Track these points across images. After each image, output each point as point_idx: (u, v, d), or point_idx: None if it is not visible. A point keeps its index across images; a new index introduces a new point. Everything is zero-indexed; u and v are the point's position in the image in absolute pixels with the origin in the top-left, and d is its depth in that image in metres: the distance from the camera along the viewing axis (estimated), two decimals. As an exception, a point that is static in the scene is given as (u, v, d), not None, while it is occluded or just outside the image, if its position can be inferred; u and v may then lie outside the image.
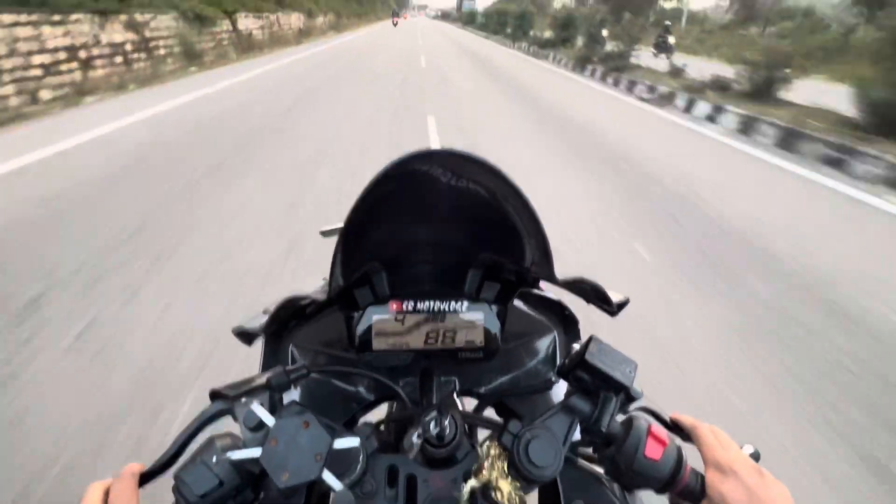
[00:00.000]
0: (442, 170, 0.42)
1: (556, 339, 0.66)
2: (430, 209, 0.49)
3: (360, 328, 0.56)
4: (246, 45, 14.15)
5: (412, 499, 0.44)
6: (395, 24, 41.06)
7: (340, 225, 0.84)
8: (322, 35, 23.88)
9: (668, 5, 37.77)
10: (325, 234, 0.87)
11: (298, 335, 0.63)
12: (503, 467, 0.43)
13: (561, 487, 0.52)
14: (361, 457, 0.43)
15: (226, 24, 13.39)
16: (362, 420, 0.61)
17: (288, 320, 0.62)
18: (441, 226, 0.54)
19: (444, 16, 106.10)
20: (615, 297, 0.47)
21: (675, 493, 0.44)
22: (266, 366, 0.60)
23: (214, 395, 0.45)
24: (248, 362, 1.63)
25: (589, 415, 0.45)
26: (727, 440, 0.45)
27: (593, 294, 0.46)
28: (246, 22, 14.93)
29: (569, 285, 0.45)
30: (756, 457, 0.44)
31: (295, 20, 21.11)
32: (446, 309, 0.57)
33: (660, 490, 0.45)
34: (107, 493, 0.39)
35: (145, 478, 0.42)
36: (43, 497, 1.33)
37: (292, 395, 0.59)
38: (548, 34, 20.71)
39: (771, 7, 29.24)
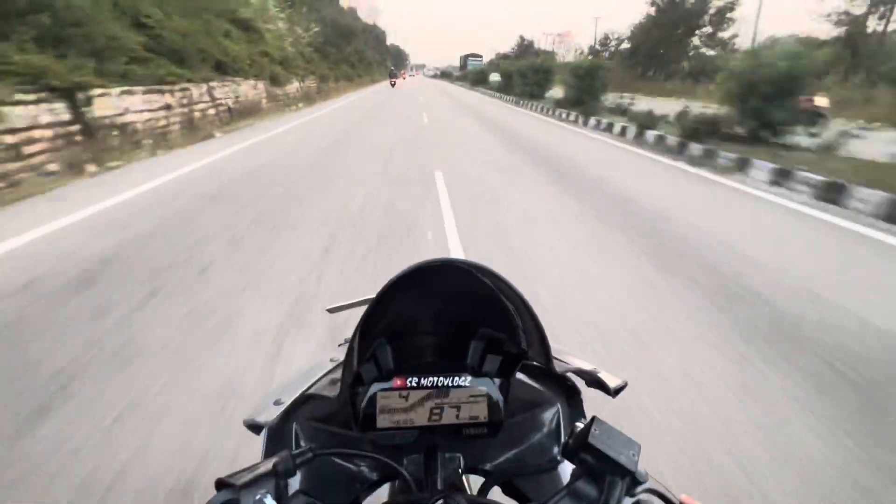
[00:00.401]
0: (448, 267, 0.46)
1: (560, 411, 0.66)
2: (433, 288, 0.52)
3: (365, 405, 0.57)
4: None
5: None
6: (393, 85, 38.72)
7: (346, 303, 0.87)
8: (281, 110, 14.76)
9: (709, 51, 29.07)
10: (332, 311, 0.89)
11: (301, 413, 0.63)
12: None
13: None
14: None
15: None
16: (367, 503, 0.60)
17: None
18: (443, 300, 0.56)
19: (444, 74, 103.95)
20: (612, 382, 0.48)
21: None
22: (269, 447, 0.60)
23: (220, 485, 0.45)
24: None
25: (595, 499, 0.45)
26: None
27: (591, 380, 0.48)
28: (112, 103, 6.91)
29: (566, 376, 0.47)
30: None
31: (249, 91, 13.07)
32: (450, 384, 0.58)
33: None
34: None
35: None
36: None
37: (297, 477, 0.58)
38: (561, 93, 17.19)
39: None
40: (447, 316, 0.59)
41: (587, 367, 0.48)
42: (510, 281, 0.45)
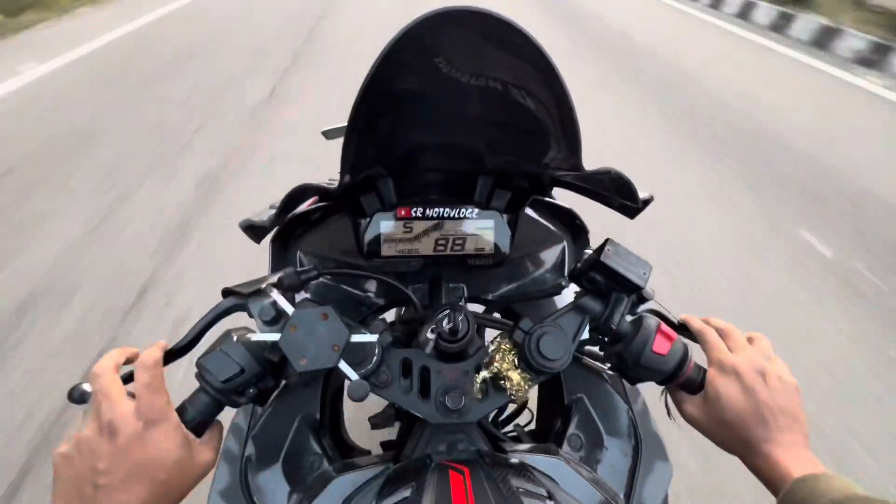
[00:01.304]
0: (452, 67, 0.37)
1: (566, 247, 0.65)
2: (437, 111, 0.45)
3: (368, 235, 0.55)
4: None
5: (425, 388, 0.46)
6: None
7: (342, 125, 0.79)
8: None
9: None
10: (328, 133, 0.83)
11: (306, 242, 0.62)
12: (513, 360, 0.44)
13: (564, 384, 0.54)
14: (377, 350, 0.44)
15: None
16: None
17: (295, 227, 0.61)
18: (450, 129, 0.50)
19: None
20: (641, 194, 0.45)
21: (677, 384, 0.46)
22: (275, 268, 0.60)
23: (227, 293, 0.45)
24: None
25: (599, 314, 0.46)
26: (738, 342, 0.45)
27: (618, 183, 0.43)
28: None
29: (594, 175, 0.42)
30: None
31: None
32: (455, 215, 0.56)
33: (662, 382, 0.47)
34: (127, 363, 0.40)
35: (164, 359, 0.42)
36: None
37: (303, 298, 0.59)
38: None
39: None
40: (455, 148, 0.54)
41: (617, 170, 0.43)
42: (534, 38, 0.33)
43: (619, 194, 0.47)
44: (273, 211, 0.46)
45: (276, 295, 0.42)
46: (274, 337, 0.40)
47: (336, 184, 0.46)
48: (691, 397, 0.46)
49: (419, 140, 0.51)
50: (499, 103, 0.42)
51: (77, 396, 0.39)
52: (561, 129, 0.41)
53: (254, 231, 0.48)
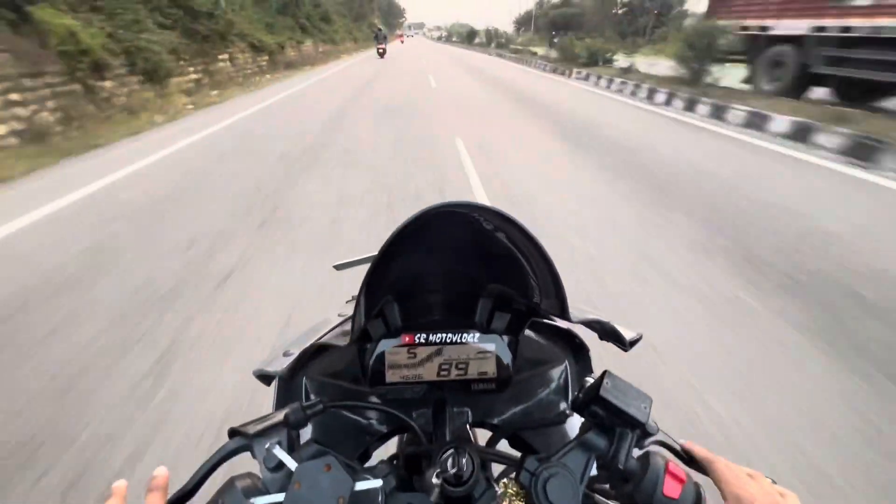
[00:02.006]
0: (461, 204, 0.44)
1: (568, 368, 0.66)
2: (441, 242, 0.51)
3: (373, 361, 0.57)
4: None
5: None
6: (381, 55, 22.11)
7: (354, 259, 0.85)
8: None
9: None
10: (339, 267, 0.88)
11: (311, 368, 0.63)
12: None
13: None
14: (381, 497, 0.43)
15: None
16: (377, 454, 0.61)
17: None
18: (452, 257, 0.54)
19: (449, 37, 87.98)
20: (628, 335, 0.48)
21: None
22: (280, 400, 0.60)
23: (233, 433, 0.46)
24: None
25: (605, 451, 0.46)
26: (742, 474, 0.45)
27: (607, 332, 0.47)
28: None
29: (574, 333, 0.46)
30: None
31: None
32: (458, 340, 0.58)
33: None
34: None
35: None
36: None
37: (307, 429, 0.59)
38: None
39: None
40: (455, 272, 0.58)
41: (602, 318, 0.47)
42: (524, 225, 0.42)
43: (608, 338, 0.50)
44: (284, 357, 0.48)
45: (277, 450, 0.42)
46: (279, 498, 0.40)
47: (346, 324, 0.49)
48: None
49: (425, 268, 0.56)
50: (495, 245, 0.47)
51: None
52: (546, 283, 0.45)
53: (266, 379, 0.49)
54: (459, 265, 0.56)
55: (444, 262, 0.56)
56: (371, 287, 0.46)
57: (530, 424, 0.62)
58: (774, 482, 0.46)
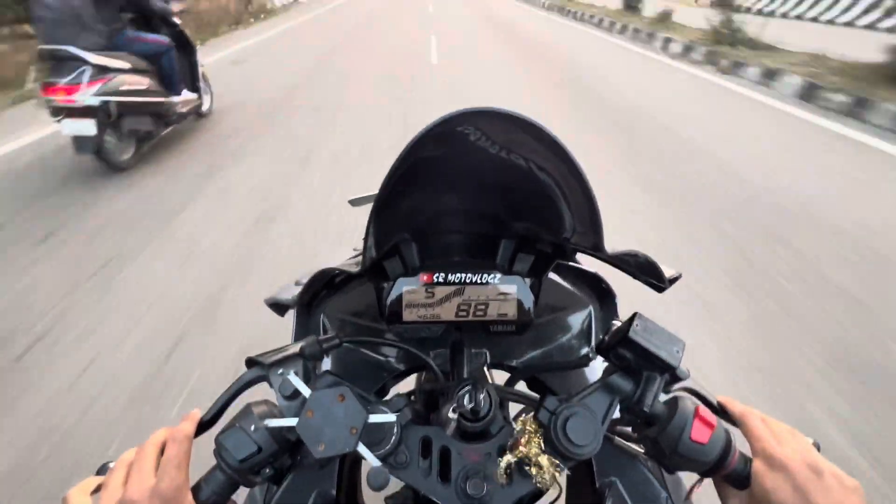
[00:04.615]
0: (481, 135, 0.39)
1: (592, 313, 0.63)
2: (462, 177, 0.47)
3: (391, 299, 0.55)
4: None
5: (446, 470, 0.44)
6: None
7: (369, 193, 0.82)
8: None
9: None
10: (354, 202, 0.85)
11: (329, 305, 0.63)
12: (539, 443, 0.42)
13: (595, 466, 0.51)
14: (395, 429, 0.43)
15: None
16: (393, 390, 0.62)
17: (319, 291, 0.62)
18: (473, 194, 0.51)
19: None
20: (667, 272, 0.43)
21: (721, 477, 0.42)
22: (298, 336, 0.60)
23: (250, 363, 0.46)
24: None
25: (630, 394, 0.43)
26: (782, 431, 0.41)
27: (644, 267, 0.43)
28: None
29: (618, 258, 0.42)
30: (815, 447, 0.41)
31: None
32: (478, 281, 0.55)
33: (704, 473, 0.43)
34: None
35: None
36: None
37: (324, 363, 0.59)
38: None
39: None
40: (476, 212, 0.55)
41: (638, 252, 0.43)
42: (558, 138, 0.35)
43: (645, 273, 0.45)
44: (296, 287, 0.47)
45: (292, 377, 0.42)
46: (291, 422, 0.40)
47: (359, 256, 0.47)
48: (737, 493, 0.42)
49: (444, 205, 0.52)
50: (522, 176, 0.43)
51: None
52: (581, 210, 0.41)
53: (278, 307, 0.49)
54: (481, 203, 0.53)
55: (465, 200, 0.52)
56: (382, 214, 0.43)
57: (551, 367, 0.60)
58: (818, 446, 0.42)
